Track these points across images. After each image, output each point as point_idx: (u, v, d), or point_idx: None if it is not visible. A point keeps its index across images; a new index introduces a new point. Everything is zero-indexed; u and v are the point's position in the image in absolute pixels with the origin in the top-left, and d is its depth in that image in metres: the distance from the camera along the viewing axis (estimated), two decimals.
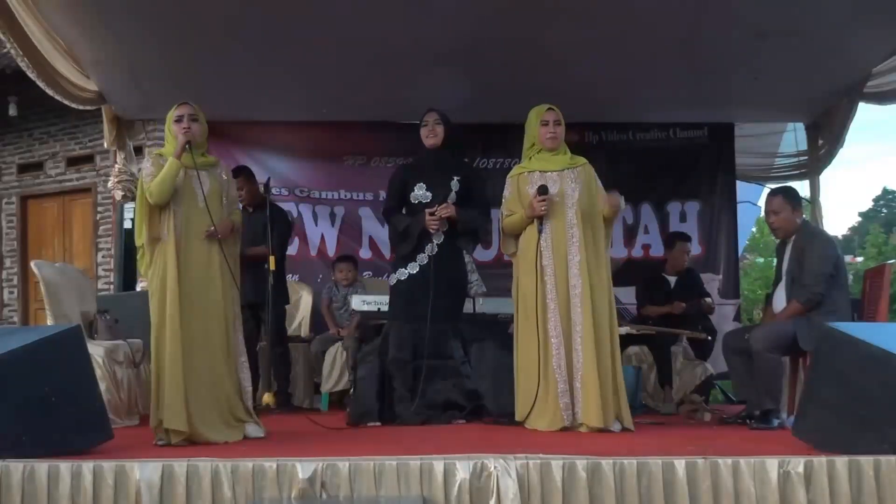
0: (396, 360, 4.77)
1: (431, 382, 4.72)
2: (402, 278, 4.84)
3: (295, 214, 7.14)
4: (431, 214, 4.75)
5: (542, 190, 4.37)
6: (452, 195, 4.84)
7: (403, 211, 4.97)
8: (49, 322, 4.80)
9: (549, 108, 4.49)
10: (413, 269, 4.82)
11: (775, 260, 5.16)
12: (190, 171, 4.06)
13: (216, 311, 4.04)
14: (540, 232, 4.37)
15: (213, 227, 4.03)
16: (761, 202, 7.83)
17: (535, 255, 4.35)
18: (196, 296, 3.98)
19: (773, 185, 7.36)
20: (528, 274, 4.39)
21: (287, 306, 6.08)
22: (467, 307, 5.44)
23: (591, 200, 4.43)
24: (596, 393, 4.15)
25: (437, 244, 4.80)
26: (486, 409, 4.89)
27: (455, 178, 4.88)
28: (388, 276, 5.34)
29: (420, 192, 4.85)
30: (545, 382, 4.26)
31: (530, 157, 4.57)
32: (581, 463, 2.87)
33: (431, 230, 4.77)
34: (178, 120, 4.08)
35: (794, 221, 4.72)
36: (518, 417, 4.36)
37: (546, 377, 4.26)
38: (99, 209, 10.06)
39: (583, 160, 4.54)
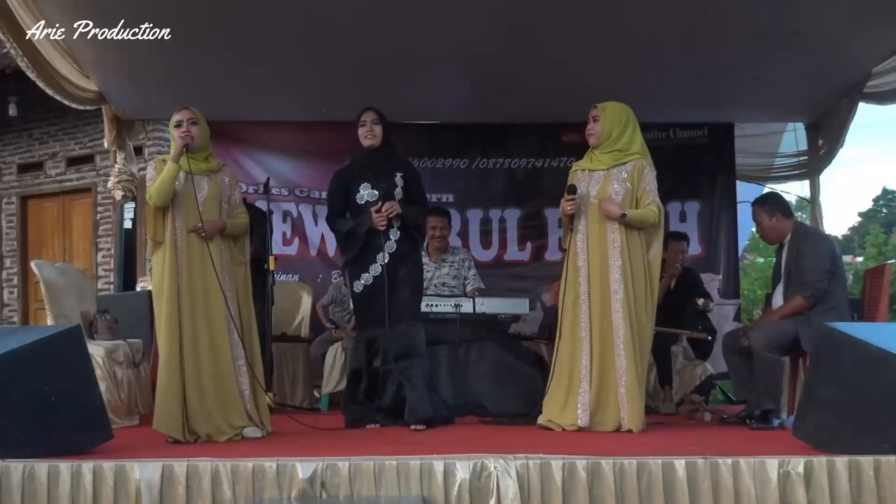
0: (375, 369, 4.67)
1: (415, 386, 4.60)
2: (368, 283, 4.67)
3: (295, 214, 7.14)
4: (378, 212, 4.61)
5: (571, 190, 4.33)
6: (398, 191, 4.71)
7: (348, 215, 4.80)
8: (49, 322, 4.79)
9: (593, 106, 4.42)
10: (375, 270, 4.65)
11: (775, 260, 5.16)
12: (191, 176, 4.12)
13: (217, 314, 4.08)
14: (571, 230, 4.35)
15: (198, 225, 4.07)
16: None
17: (574, 255, 4.34)
18: (196, 299, 4.04)
19: (774, 185, 7.40)
20: (567, 272, 4.34)
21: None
22: (467, 307, 5.46)
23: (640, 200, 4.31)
24: (639, 399, 4.15)
25: (395, 241, 4.67)
26: (486, 409, 4.89)
27: (398, 174, 4.75)
28: (339, 278, 5.09)
29: (366, 192, 4.68)
30: (570, 380, 4.23)
31: (589, 156, 4.49)
32: (581, 463, 2.87)
33: (380, 228, 4.61)
34: (178, 125, 4.16)
35: (780, 226, 4.72)
36: (545, 416, 4.29)
37: (572, 375, 4.23)
38: (99, 209, 10.07)
39: (635, 154, 4.36)
